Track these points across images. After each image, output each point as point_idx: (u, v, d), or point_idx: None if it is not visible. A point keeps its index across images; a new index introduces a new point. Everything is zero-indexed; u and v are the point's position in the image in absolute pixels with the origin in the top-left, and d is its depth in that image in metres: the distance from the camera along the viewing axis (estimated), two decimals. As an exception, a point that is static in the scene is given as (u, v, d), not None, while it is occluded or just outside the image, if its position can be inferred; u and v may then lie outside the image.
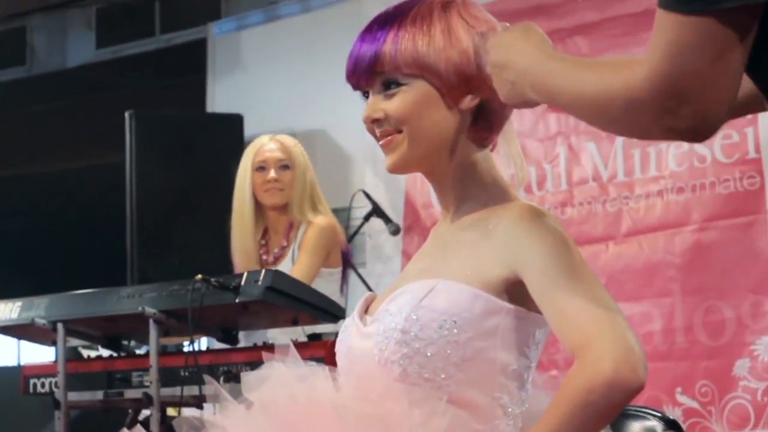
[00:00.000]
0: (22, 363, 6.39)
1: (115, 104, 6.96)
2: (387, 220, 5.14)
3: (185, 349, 4.06)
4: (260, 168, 4.48)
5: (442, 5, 1.99)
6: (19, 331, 4.15)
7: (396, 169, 2.00)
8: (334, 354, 2.03)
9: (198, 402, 3.71)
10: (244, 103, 6.68)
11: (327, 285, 4.36)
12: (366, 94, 2.02)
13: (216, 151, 6.32)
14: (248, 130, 6.33)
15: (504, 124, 2.03)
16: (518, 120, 2.10)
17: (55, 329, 3.88)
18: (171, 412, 3.98)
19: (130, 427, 4.03)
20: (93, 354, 4.34)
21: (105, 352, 4.17)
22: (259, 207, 4.52)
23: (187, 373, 3.70)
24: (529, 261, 1.83)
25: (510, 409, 1.89)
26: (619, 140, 5.21)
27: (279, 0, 7.18)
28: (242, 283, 3.56)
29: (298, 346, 2.01)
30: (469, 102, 1.97)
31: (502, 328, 1.87)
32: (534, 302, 1.84)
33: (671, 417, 2.28)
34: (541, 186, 5.51)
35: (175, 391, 3.70)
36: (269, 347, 2.28)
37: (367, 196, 5.20)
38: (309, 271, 4.34)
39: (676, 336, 5.00)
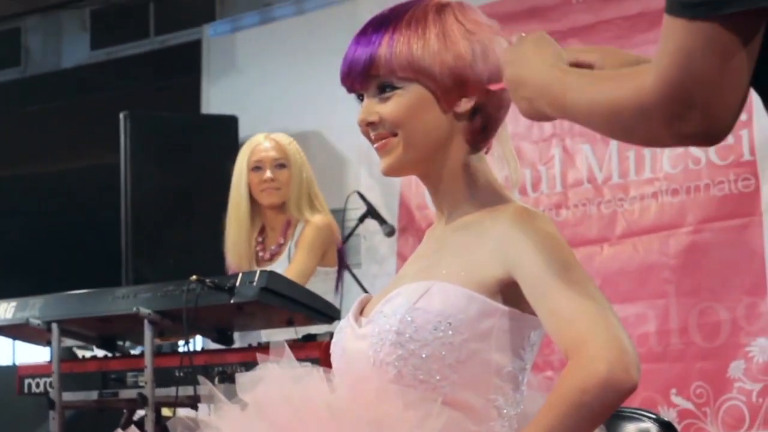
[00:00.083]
0: (17, 363, 6.38)
1: (110, 105, 6.96)
2: (382, 221, 5.14)
3: (180, 350, 4.07)
4: (256, 168, 4.47)
5: (437, 8, 1.99)
6: (14, 331, 4.14)
7: (391, 172, 2.00)
8: (329, 355, 2.04)
9: (193, 402, 3.71)
10: (238, 104, 6.68)
11: (323, 284, 4.36)
12: (361, 97, 2.02)
13: (211, 153, 6.31)
14: (243, 132, 6.33)
15: (499, 127, 2.03)
16: (513, 122, 2.11)
17: (49, 329, 3.88)
18: (166, 412, 3.97)
19: (124, 427, 4.05)
20: (88, 354, 4.34)
21: (100, 353, 4.17)
22: (255, 206, 4.51)
23: (181, 374, 3.70)
24: (523, 262, 1.84)
25: (505, 411, 1.89)
26: (614, 142, 5.21)
27: (274, 2, 7.18)
28: (237, 283, 3.56)
29: (293, 346, 2.00)
30: (464, 105, 1.97)
31: (497, 329, 1.88)
32: (528, 304, 1.84)
33: (666, 419, 2.28)
34: (535, 188, 5.52)
35: (170, 391, 3.70)
36: (264, 347, 2.28)
37: (362, 197, 5.20)
38: (305, 269, 4.33)
39: (671, 337, 5.00)
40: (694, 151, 5.01)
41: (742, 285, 4.85)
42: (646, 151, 5.15)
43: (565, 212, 5.41)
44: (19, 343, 4.96)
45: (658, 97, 1.45)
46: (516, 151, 2.09)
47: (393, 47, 1.95)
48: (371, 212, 5.16)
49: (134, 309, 3.66)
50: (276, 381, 1.91)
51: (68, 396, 3.96)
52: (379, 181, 5.89)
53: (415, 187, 5.78)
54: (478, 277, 1.88)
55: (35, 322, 3.89)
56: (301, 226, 4.45)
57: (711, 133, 1.47)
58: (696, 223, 5.01)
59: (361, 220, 5.21)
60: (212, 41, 7.09)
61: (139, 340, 3.91)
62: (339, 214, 5.21)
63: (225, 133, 6.43)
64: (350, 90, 2.03)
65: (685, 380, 4.95)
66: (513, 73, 1.78)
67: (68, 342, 4.14)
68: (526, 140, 5.49)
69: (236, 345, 3.96)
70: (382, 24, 1.98)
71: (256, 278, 3.55)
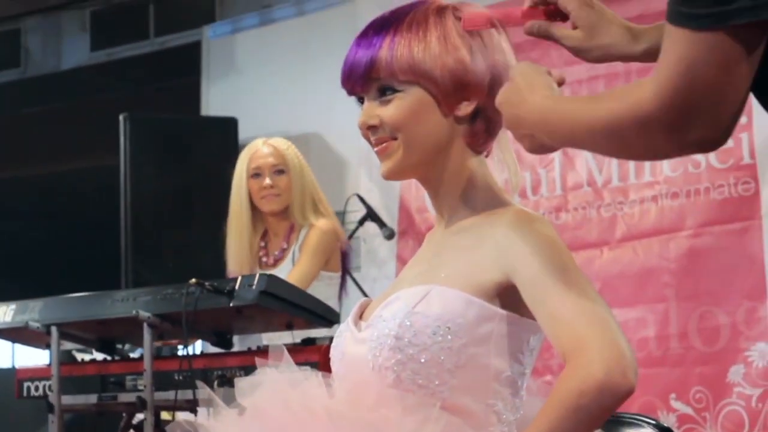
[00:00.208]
0: (16, 366, 6.38)
1: (110, 107, 6.96)
2: (381, 224, 5.13)
3: (179, 353, 4.06)
4: (255, 174, 4.44)
5: (437, 10, 1.98)
6: (13, 334, 4.14)
7: (391, 175, 2.00)
8: (328, 359, 2.03)
9: (192, 406, 3.70)
10: (238, 106, 6.68)
11: (326, 289, 4.34)
12: (361, 100, 2.02)
13: (210, 155, 6.31)
14: (243, 134, 6.32)
15: (499, 131, 2.03)
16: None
17: (49, 332, 3.87)
18: (165, 416, 3.97)
19: (124, 430, 4.04)
20: (87, 357, 4.33)
21: (99, 356, 4.17)
22: (257, 211, 4.48)
23: (181, 377, 3.70)
24: (522, 265, 1.83)
25: (504, 416, 1.89)
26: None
27: (273, 3, 7.18)
28: (236, 287, 3.55)
29: (292, 350, 2.00)
30: (464, 109, 1.97)
31: (496, 334, 1.87)
32: (527, 308, 1.84)
33: (665, 424, 2.28)
34: (535, 191, 5.51)
35: (169, 395, 3.69)
36: (264, 351, 2.28)
37: (362, 200, 5.20)
38: (308, 273, 4.31)
39: (671, 342, 5.00)
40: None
41: (742, 289, 4.85)
42: (646, 154, 5.14)
43: (564, 215, 5.40)
44: (18, 346, 4.97)
45: (661, 108, 1.45)
46: (516, 154, 2.08)
47: (394, 50, 1.95)
48: (371, 215, 5.15)
49: (133, 312, 3.65)
50: (275, 386, 1.91)
51: (67, 399, 3.95)
52: (379, 184, 5.88)
53: (415, 190, 5.77)
54: (477, 280, 1.88)
55: (34, 325, 3.88)
56: (306, 230, 4.42)
57: (712, 141, 1.47)
58: (696, 227, 5.00)
59: (361, 223, 5.20)
60: (212, 43, 7.08)
61: (138, 344, 3.91)
62: (339, 216, 5.20)
63: (225, 135, 6.42)
64: (350, 92, 2.03)
65: (685, 385, 4.94)
66: (509, 114, 1.79)
67: (67, 345, 4.14)
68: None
69: (235, 348, 3.95)
70: (382, 26, 1.98)
71: (256, 281, 3.54)
